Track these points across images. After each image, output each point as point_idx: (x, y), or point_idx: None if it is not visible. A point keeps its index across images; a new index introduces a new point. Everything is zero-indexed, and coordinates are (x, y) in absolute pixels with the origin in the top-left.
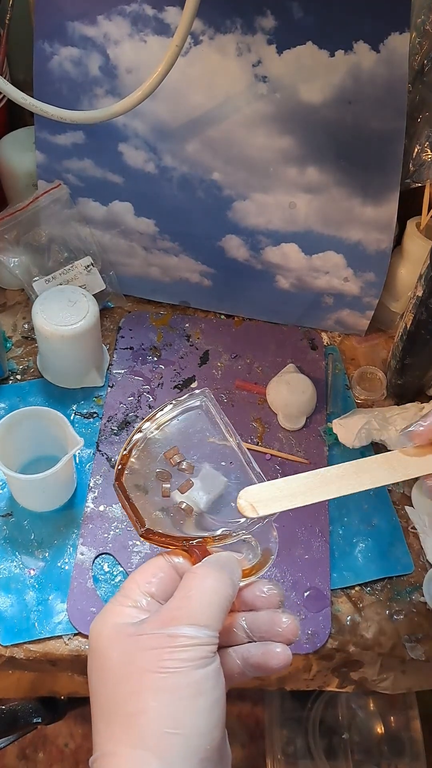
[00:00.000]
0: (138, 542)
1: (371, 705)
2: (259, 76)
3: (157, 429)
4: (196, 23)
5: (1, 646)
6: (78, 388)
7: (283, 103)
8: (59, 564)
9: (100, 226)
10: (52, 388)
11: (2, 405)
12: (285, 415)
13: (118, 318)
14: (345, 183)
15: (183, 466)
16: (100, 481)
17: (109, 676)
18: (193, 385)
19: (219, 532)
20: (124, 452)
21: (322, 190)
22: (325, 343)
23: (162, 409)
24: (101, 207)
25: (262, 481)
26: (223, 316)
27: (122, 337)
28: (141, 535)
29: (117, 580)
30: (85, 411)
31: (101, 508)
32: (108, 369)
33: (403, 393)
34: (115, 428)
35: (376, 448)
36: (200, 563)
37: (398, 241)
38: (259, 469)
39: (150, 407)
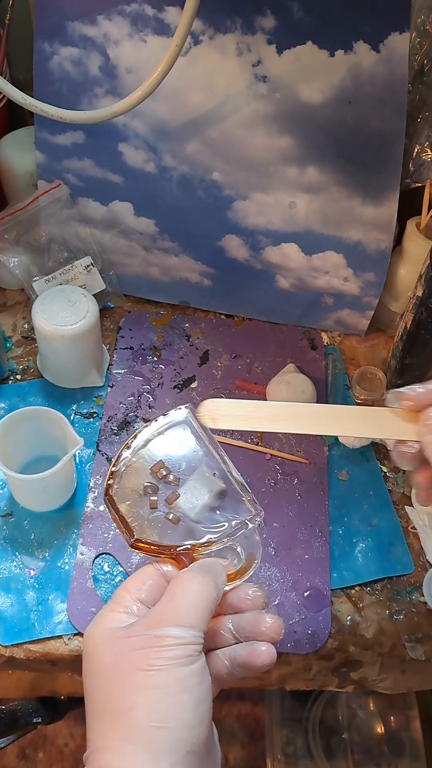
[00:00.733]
0: None
1: (371, 705)
2: (259, 76)
3: (143, 445)
4: (196, 23)
5: (1, 646)
6: (78, 388)
7: (283, 103)
8: (59, 564)
9: (100, 226)
10: (52, 388)
11: (2, 405)
12: None
13: (118, 318)
14: (345, 183)
15: (170, 479)
16: (100, 481)
17: (101, 677)
18: (194, 384)
19: (204, 539)
20: (114, 468)
21: (322, 190)
22: (325, 343)
23: (148, 425)
24: (101, 207)
25: (245, 490)
26: (223, 316)
27: (122, 337)
28: (131, 546)
29: (117, 580)
30: (85, 411)
31: (101, 508)
32: (108, 369)
33: None
34: (115, 428)
35: (376, 448)
36: (186, 568)
37: (398, 241)
38: (241, 479)
39: (150, 407)
